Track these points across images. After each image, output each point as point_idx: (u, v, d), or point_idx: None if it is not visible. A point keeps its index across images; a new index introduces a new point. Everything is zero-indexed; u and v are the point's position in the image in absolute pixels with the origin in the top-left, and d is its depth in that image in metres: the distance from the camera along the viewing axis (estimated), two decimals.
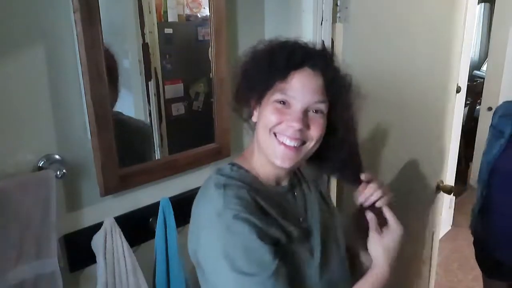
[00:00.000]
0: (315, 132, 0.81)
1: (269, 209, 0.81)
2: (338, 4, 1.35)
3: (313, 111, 0.80)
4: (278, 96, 0.80)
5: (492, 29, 1.67)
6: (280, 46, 0.84)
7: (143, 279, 1.14)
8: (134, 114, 1.24)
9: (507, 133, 1.42)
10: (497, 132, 1.48)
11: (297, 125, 0.78)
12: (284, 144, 0.80)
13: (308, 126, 0.80)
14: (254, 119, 0.86)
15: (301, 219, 0.90)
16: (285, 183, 0.92)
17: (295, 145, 0.80)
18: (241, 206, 0.75)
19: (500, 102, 1.82)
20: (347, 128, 0.86)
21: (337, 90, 0.82)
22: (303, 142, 0.81)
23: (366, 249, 0.88)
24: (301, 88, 0.79)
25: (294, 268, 0.79)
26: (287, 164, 0.81)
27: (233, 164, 0.88)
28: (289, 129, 0.79)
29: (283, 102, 0.80)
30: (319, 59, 0.82)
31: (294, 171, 0.95)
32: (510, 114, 1.45)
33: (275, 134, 0.80)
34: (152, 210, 1.20)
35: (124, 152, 1.10)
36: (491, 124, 1.56)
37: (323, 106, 0.81)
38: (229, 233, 0.73)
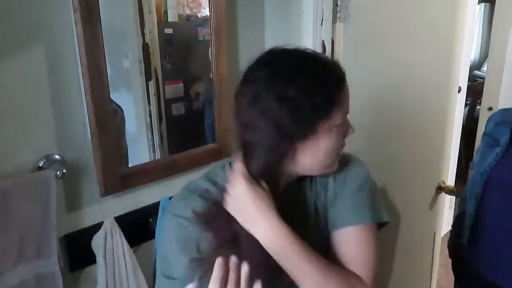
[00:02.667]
0: None
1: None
2: (338, 4, 1.35)
3: None
4: (338, 121, 0.74)
5: (492, 29, 1.66)
6: (312, 82, 0.71)
7: (143, 279, 1.14)
8: (134, 114, 1.24)
9: (503, 141, 1.29)
10: (491, 140, 1.35)
11: (353, 130, 0.80)
12: (339, 154, 0.81)
13: None
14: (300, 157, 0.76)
15: None
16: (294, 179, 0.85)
17: None
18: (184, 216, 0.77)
19: (501, 102, 1.82)
20: None
21: None
22: None
23: None
24: (348, 99, 0.79)
25: None
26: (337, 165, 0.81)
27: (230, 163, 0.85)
28: (343, 142, 0.80)
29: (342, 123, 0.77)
30: (340, 71, 0.78)
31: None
32: (507, 122, 1.33)
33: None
34: (152, 210, 1.20)
35: None
36: (484, 133, 1.43)
37: None
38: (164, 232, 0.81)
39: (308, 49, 0.78)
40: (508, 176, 1.26)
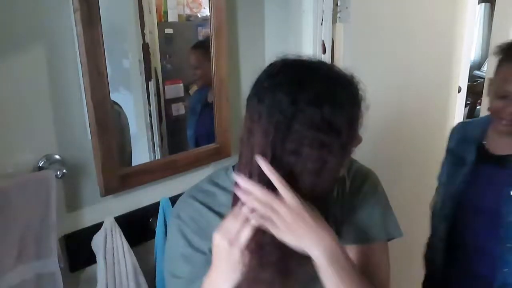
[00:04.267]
0: None
1: None
2: (338, 4, 1.35)
3: None
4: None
5: (492, 29, 1.66)
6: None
7: (143, 279, 1.14)
8: (134, 114, 1.24)
9: (469, 160, 1.20)
10: (457, 159, 1.26)
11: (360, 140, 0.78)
12: None
13: None
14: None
15: None
16: None
17: None
18: (188, 217, 0.77)
19: None
20: None
21: None
22: None
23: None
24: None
25: None
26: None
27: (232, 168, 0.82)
28: None
29: None
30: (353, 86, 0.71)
31: None
32: (471, 138, 1.24)
33: None
34: (152, 210, 1.20)
35: None
36: (448, 148, 1.33)
37: None
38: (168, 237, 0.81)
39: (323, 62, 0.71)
40: (480, 200, 1.19)
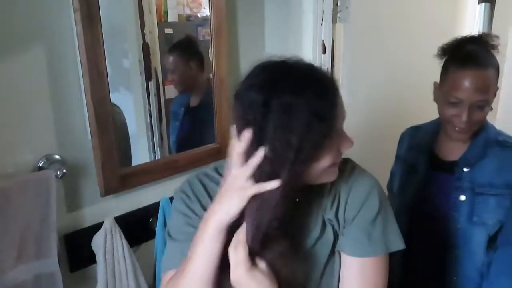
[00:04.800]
0: None
1: None
2: (338, 4, 1.35)
3: None
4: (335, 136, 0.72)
5: (492, 29, 1.66)
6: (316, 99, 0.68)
7: (143, 279, 1.14)
8: (134, 114, 1.24)
9: (422, 168, 1.15)
10: (408, 167, 1.21)
11: (352, 143, 0.78)
12: (336, 164, 0.78)
13: None
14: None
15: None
16: None
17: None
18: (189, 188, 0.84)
19: (501, 102, 1.81)
20: None
21: None
22: None
23: None
24: (342, 114, 0.75)
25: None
26: (337, 173, 0.79)
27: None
28: (341, 152, 0.78)
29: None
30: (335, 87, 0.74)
31: None
32: (421, 145, 1.19)
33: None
34: (152, 210, 1.20)
35: None
36: (398, 155, 1.27)
37: None
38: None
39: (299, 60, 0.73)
40: (434, 208, 1.13)
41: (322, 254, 0.80)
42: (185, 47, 1.26)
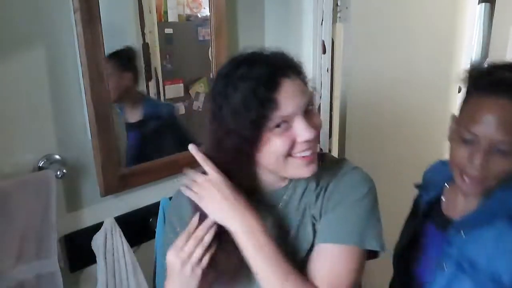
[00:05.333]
0: (318, 128, 0.77)
1: None
2: (338, 4, 1.35)
3: (308, 115, 0.74)
4: (275, 121, 0.72)
5: (492, 29, 1.66)
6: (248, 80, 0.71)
7: (143, 279, 1.14)
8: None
9: (420, 212, 0.97)
10: (414, 203, 1.05)
11: (312, 134, 0.73)
12: (306, 157, 0.75)
13: (314, 127, 0.75)
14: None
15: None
16: (284, 183, 0.83)
17: (314, 149, 0.76)
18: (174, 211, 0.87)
19: None
20: None
21: (303, 73, 0.78)
22: None
23: None
24: (291, 100, 0.72)
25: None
26: (315, 170, 0.77)
27: None
28: (304, 143, 0.73)
29: (280, 124, 0.72)
30: (282, 62, 0.74)
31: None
32: (433, 185, 0.98)
33: (290, 155, 0.75)
34: (152, 210, 1.20)
35: None
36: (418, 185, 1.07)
37: (312, 105, 0.76)
38: None
39: (263, 50, 0.76)
40: (421, 266, 0.93)
41: (300, 250, 0.79)
42: (123, 57, 1.17)
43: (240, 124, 0.70)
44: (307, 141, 0.73)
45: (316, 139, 0.76)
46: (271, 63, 0.72)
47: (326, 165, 0.83)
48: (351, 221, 0.77)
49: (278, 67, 0.72)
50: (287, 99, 0.71)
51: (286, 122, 0.72)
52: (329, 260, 0.75)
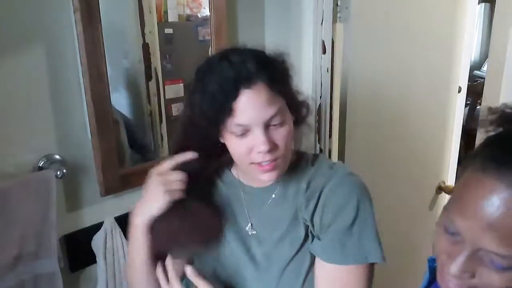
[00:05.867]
0: (283, 144, 0.75)
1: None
2: (338, 4, 1.35)
3: (273, 124, 0.74)
4: (233, 128, 0.73)
5: (492, 29, 1.66)
6: (208, 86, 0.74)
7: None
8: (134, 114, 1.24)
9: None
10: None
11: (265, 148, 0.72)
12: (263, 165, 0.75)
13: (274, 143, 0.74)
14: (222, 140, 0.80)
15: (248, 226, 0.85)
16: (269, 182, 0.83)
17: (274, 158, 0.75)
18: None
19: (501, 102, 1.80)
20: (301, 104, 0.82)
21: (283, 82, 0.76)
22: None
23: None
24: (249, 111, 0.71)
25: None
26: (274, 178, 0.77)
27: None
28: (260, 154, 0.74)
29: (244, 131, 0.73)
30: (247, 72, 0.72)
31: (294, 171, 0.86)
32: None
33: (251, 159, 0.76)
34: None
35: None
36: None
37: (281, 115, 0.74)
38: None
39: (236, 49, 0.76)
40: None
41: (288, 250, 0.80)
42: None
43: (201, 120, 0.75)
44: (262, 152, 0.73)
45: (276, 150, 0.75)
46: (238, 70, 0.71)
47: (319, 168, 0.84)
48: (351, 240, 0.76)
49: (245, 75, 0.71)
50: (244, 111, 0.71)
51: (245, 128, 0.73)
52: (337, 279, 0.77)
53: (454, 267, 0.51)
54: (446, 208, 0.54)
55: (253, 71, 0.71)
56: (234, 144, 0.75)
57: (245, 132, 0.73)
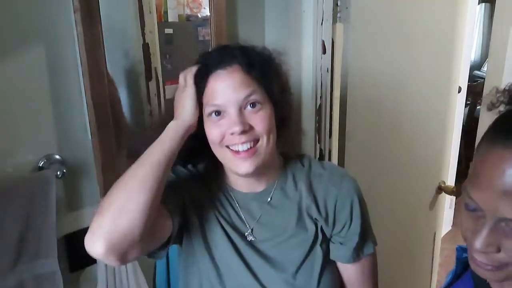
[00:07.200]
0: (260, 127, 0.76)
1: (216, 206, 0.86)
2: (338, 4, 1.35)
3: (250, 106, 0.76)
4: (208, 109, 0.77)
5: (492, 29, 1.66)
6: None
7: (143, 279, 1.14)
8: (134, 114, 1.24)
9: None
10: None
11: (238, 129, 0.74)
12: (240, 152, 0.76)
13: (250, 125, 0.75)
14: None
15: (247, 232, 0.85)
16: (261, 187, 0.85)
17: (250, 146, 0.76)
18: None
19: None
20: (285, 101, 0.85)
21: (262, 71, 0.78)
22: (257, 141, 0.77)
23: None
24: (222, 91, 0.75)
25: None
26: (251, 169, 0.76)
27: None
28: (235, 136, 0.75)
29: (217, 113, 0.76)
30: (225, 55, 0.78)
31: (286, 172, 0.88)
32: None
33: (227, 147, 0.77)
34: None
35: None
36: None
37: (256, 97, 0.76)
38: None
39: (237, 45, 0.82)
40: None
41: (298, 252, 0.83)
42: None
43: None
44: (237, 135, 0.75)
45: (252, 133, 0.76)
46: (219, 55, 0.78)
47: (313, 168, 0.88)
48: (365, 233, 0.86)
49: (221, 58, 0.77)
50: (217, 90, 0.75)
51: (220, 112, 0.76)
52: (362, 273, 0.87)
53: (478, 242, 0.53)
54: (464, 187, 0.57)
55: (231, 55, 0.77)
56: (209, 128, 0.78)
57: (220, 114, 0.76)
